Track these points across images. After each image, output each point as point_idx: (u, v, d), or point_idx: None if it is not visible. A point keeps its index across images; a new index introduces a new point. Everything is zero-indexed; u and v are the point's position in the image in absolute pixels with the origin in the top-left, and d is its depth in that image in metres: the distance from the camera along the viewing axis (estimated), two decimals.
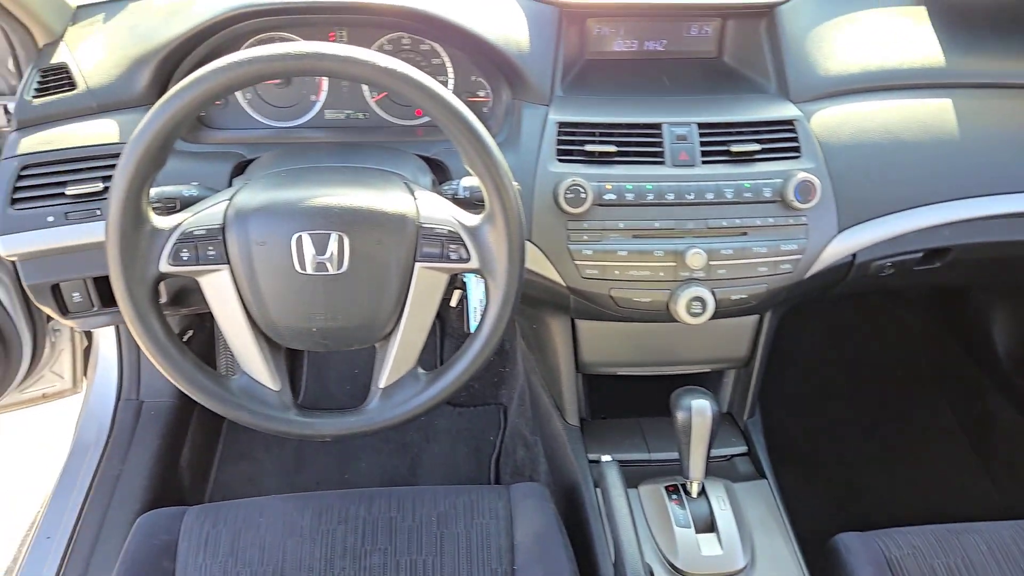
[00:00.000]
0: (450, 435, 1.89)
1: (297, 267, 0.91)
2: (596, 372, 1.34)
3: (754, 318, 1.29)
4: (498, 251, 0.93)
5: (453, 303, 1.18)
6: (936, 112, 1.26)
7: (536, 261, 1.15)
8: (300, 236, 0.91)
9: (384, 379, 0.98)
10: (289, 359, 1.03)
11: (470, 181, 1.05)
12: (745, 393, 1.38)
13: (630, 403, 1.40)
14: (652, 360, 1.31)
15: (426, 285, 0.95)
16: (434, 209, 0.95)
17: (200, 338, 1.83)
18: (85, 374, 1.76)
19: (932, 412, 2.00)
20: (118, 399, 1.74)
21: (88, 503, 1.57)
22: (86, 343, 1.74)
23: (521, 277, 0.94)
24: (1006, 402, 1.86)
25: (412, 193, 0.97)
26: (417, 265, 0.94)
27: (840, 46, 1.28)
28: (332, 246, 0.91)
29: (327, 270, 0.91)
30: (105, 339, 1.74)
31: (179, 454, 1.73)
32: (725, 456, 1.34)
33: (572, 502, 1.32)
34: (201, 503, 1.74)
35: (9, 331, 1.46)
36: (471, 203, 1.03)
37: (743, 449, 1.34)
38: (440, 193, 1.03)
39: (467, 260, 0.94)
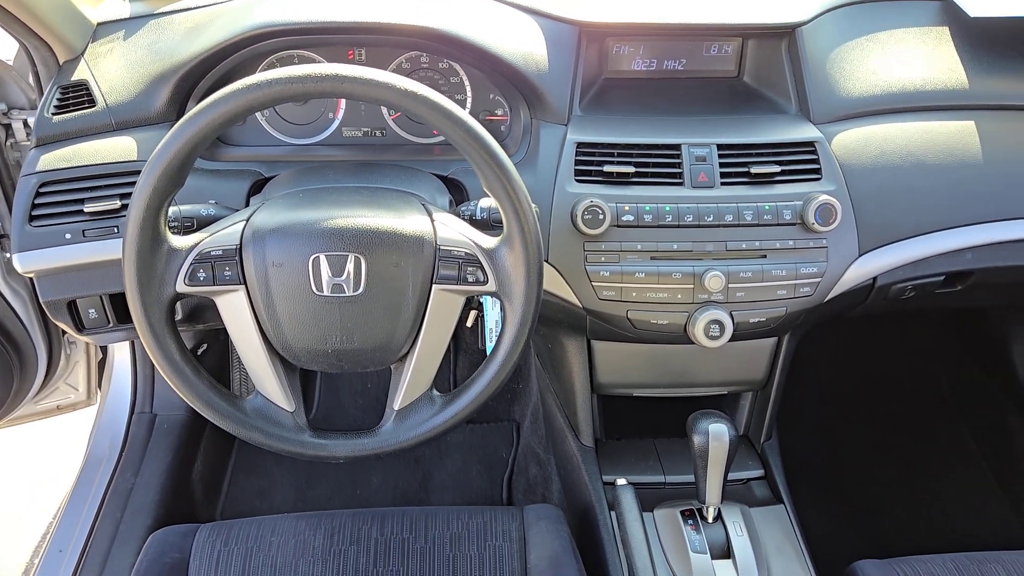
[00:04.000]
0: (462, 451, 1.88)
1: (314, 289, 0.91)
2: (611, 393, 1.33)
3: (772, 340, 1.28)
4: (515, 273, 0.93)
5: (469, 323, 1.17)
6: (959, 134, 1.24)
7: (553, 282, 1.15)
8: (317, 257, 0.90)
9: (399, 401, 0.98)
10: (303, 374, 1.03)
11: (488, 202, 1.04)
12: (762, 416, 1.37)
13: (645, 424, 1.39)
14: (668, 382, 1.30)
15: (443, 307, 0.95)
16: (452, 231, 0.95)
17: (214, 352, 1.83)
18: (100, 386, 1.77)
19: (951, 433, 1.97)
20: (132, 412, 1.74)
21: (100, 517, 1.57)
22: (101, 355, 1.74)
23: (538, 300, 0.93)
24: None
25: (430, 215, 0.96)
26: (434, 287, 0.94)
27: (862, 67, 1.27)
28: (349, 268, 0.90)
29: (344, 292, 0.91)
30: (120, 352, 1.75)
31: (191, 468, 1.73)
32: (742, 480, 1.32)
33: (586, 524, 1.31)
34: (213, 517, 1.73)
35: (25, 343, 1.47)
36: (488, 224, 1.02)
37: (760, 473, 1.33)
38: (457, 214, 1.02)
39: (484, 283, 0.93)
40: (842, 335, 2.12)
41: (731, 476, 1.31)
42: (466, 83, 1.26)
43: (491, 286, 0.94)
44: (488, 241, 0.95)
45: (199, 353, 1.76)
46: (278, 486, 1.83)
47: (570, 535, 1.16)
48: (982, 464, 1.91)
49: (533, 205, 0.93)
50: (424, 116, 0.87)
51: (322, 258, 0.90)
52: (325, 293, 0.91)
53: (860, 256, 1.18)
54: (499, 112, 1.27)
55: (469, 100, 1.27)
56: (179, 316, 1.19)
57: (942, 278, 1.27)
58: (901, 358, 2.11)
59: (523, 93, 1.22)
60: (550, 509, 1.20)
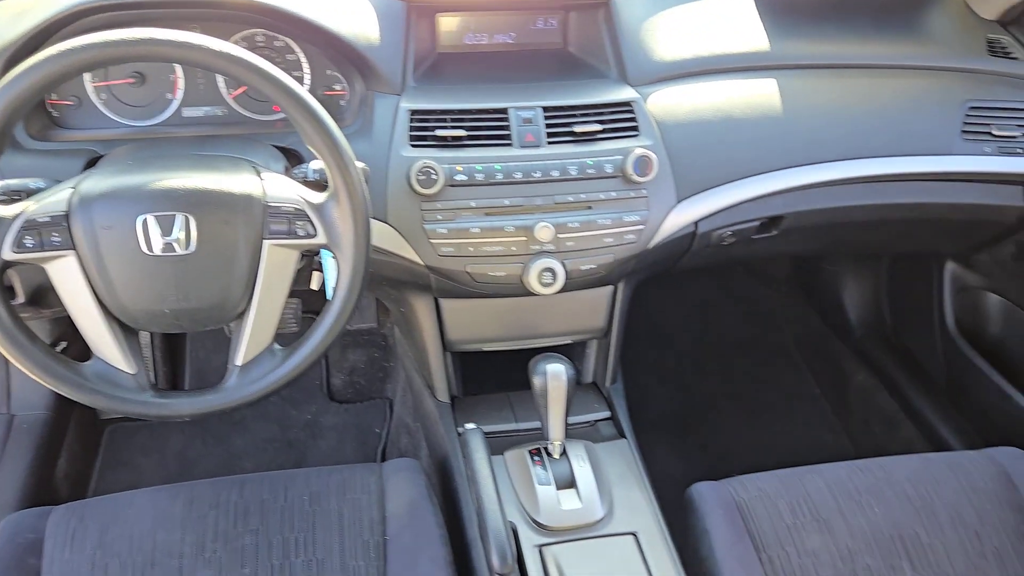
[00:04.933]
0: (336, 431, 1.91)
1: (145, 249, 0.93)
2: (463, 349, 1.40)
3: (608, 289, 1.37)
4: (343, 226, 0.98)
5: (315, 286, 1.21)
6: (762, 91, 1.37)
7: (393, 242, 1.20)
8: (145, 219, 0.93)
9: (241, 356, 1.01)
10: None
11: (318, 164, 1.09)
12: (606, 361, 1.46)
13: (502, 379, 1.46)
14: (516, 334, 1.37)
15: (276, 262, 0.99)
16: (281, 189, 0.99)
17: (75, 350, 1.80)
18: None
19: (794, 379, 2.13)
20: None
21: None
22: None
23: (367, 251, 0.99)
24: (860, 364, 2.00)
25: (259, 175, 1.00)
26: (266, 243, 0.98)
27: (673, 33, 1.38)
28: (178, 227, 0.93)
29: (175, 251, 0.94)
30: None
31: (54, 467, 1.69)
32: (589, 422, 1.41)
33: (444, 474, 1.37)
34: None
35: None
36: (321, 185, 1.07)
37: (606, 414, 1.42)
38: (291, 177, 1.07)
39: (314, 236, 0.98)
40: (696, 295, 2.26)
41: (579, 418, 1.41)
42: (303, 60, 1.30)
43: (321, 238, 0.98)
44: (316, 197, 0.99)
45: (59, 351, 1.73)
46: (148, 478, 1.81)
47: (427, 483, 1.22)
48: (822, 403, 2.08)
49: (360, 163, 0.99)
50: (241, 77, 0.91)
51: (150, 218, 0.93)
52: (156, 253, 0.94)
53: (678, 204, 1.29)
54: (337, 87, 1.32)
55: (307, 77, 1.31)
56: (21, 299, 1.19)
57: (757, 223, 1.39)
58: (750, 316, 2.27)
59: (357, 67, 1.27)
60: (407, 462, 1.25)
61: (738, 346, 2.20)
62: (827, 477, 1.27)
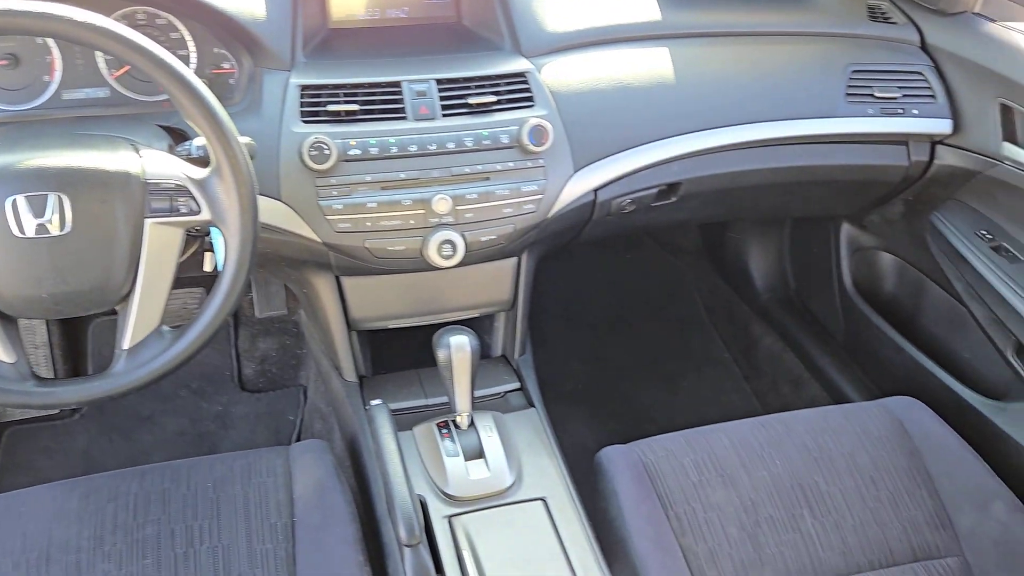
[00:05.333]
0: (249, 421, 1.88)
1: (16, 232, 0.90)
2: (368, 328, 1.39)
3: (512, 261, 1.38)
4: (228, 201, 0.95)
5: (208, 268, 1.18)
6: (654, 60, 1.39)
7: (288, 219, 1.18)
8: (15, 200, 0.89)
9: (128, 340, 0.98)
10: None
11: (202, 140, 1.06)
12: (514, 334, 1.47)
13: (412, 358, 1.45)
14: (421, 310, 1.36)
15: (160, 241, 0.96)
16: (161, 166, 0.96)
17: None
18: None
19: (705, 345, 2.19)
20: None
21: None
22: None
23: (255, 225, 0.97)
24: (767, 328, 2.06)
25: (138, 152, 0.97)
26: (147, 221, 0.95)
27: (566, 4, 1.39)
28: (51, 208, 0.90)
29: (49, 233, 0.90)
30: None
31: None
32: (499, 394, 1.41)
33: (354, 452, 1.36)
34: None
35: None
36: (205, 161, 1.04)
37: (516, 386, 1.43)
38: (175, 155, 1.04)
39: (198, 212, 0.96)
40: (609, 269, 2.30)
41: (488, 391, 1.41)
42: (187, 38, 1.26)
43: (205, 215, 0.96)
44: (198, 172, 0.97)
45: None
46: (50, 481, 1.75)
47: (335, 463, 1.21)
48: (732, 367, 2.13)
49: (245, 138, 0.97)
50: (108, 49, 0.88)
51: (20, 199, 0.89)
52: (29, 235, 0.90)
53: (576, 172, 1.30)
54: (225, 65, 1.29)
55: (193, 56, 1.27)
56: None
57: (655, 191, 1.42)
58: (661, 287, 2.32)
59: (243, 43, 1.24)
60: (314, 443, 1.24)
61: (650, 317, 2.24)
62: (731, 434, 1.30)
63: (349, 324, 1.36)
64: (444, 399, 1.36)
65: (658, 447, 1.28)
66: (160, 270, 0.97)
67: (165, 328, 1.00)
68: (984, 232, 1.44)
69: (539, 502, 1.19)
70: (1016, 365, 1.37)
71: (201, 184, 0.96)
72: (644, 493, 1.21)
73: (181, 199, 0.95)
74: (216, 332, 1.00)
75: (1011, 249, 1.39)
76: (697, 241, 2.33)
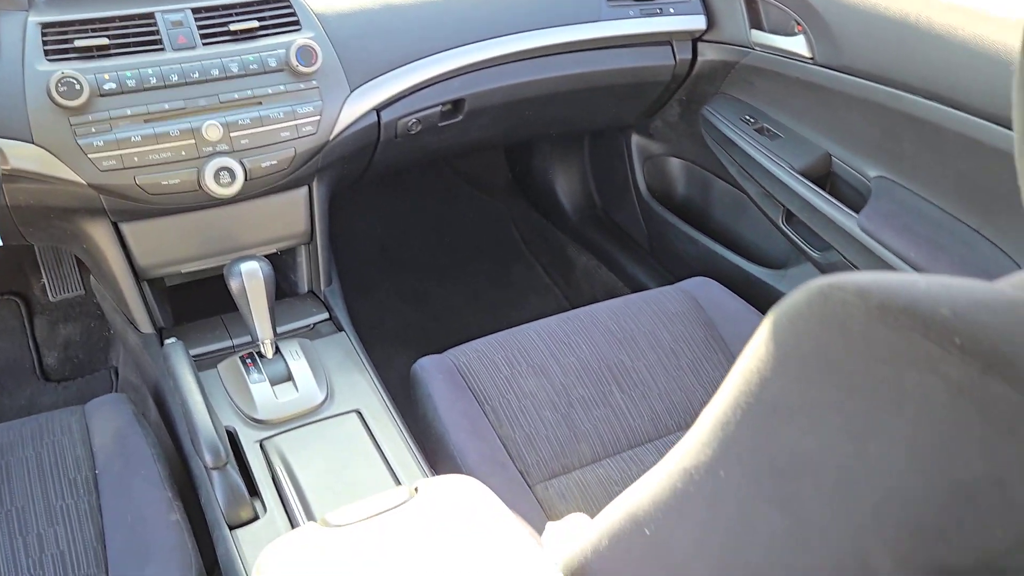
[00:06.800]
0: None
1: None
2: (159, 275, 1.34)
3: (303, 192, 1.36)
4: None
5: None
6: None
7: (46, 163, 1.12)
8: None
9: None
10: None
11: None
12: (319, 266, 1.45)
13: (217, 305, 1.41)
14: (213, 250, 1.32)
15: None
16: None
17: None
18: None
19: (527, 274, 2.25)
20: None
21: None
22: None
23: None
24: (580, 248, 2.14)
25: None
26: None
27: None
28: None
29: None
30: None
31: None
32: (308, 325, 1.40)
33: (158, 398, 1.31)
34: None
35: None
36: None
37: (324, 316, 1.42)
38: None
39: None
40: (428, 211, 2.31)
41: (297, 324, 1.40)
42: None
43: None
44: None
45: None
46: None
47: (133, 410, 1.16)
48: (554, 291, 2.20)
49: None
50: None
51: None
52: None
53: (352, 92, 1.30)
54: None
55: None
56: None
57: (440, 108, 1.44)
58: (480, 225, 2.36)
59: None
60: (111, 397, 1.19)
61: (471, 256, 2.28)
62: (539, 330, 1.35)
63: (137, 273, 1.30)
64: (249, 338, 1.33)
65: (470, 351, 1.31)
66: None
67: None
68: (748, 117, 1.55)
69: (353, 414, 1.19)
70: (787, 231, 1.49)
71: None
72: (459, 392, 1.23)
73: None
74: None
75: (771, 128, 1.51)
76: (508, 177, 2.38)
